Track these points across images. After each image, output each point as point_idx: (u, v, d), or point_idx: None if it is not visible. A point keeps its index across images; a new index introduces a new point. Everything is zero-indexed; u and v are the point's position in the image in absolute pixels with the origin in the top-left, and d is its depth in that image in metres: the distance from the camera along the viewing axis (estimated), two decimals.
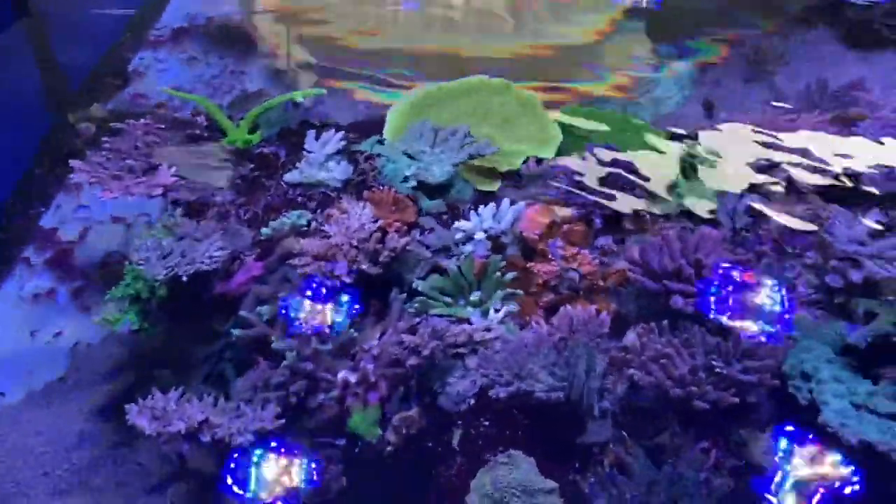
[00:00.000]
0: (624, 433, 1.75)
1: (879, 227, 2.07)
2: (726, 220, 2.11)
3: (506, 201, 2.17)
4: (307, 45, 3.70)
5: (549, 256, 1.99)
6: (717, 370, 1.65)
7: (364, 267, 1.98)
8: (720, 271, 1.91)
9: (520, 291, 1.99)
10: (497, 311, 1.95)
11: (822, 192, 2.18)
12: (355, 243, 2.01)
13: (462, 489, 1.73)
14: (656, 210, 2.16)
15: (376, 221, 2.08)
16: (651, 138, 2.62)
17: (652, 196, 2.18)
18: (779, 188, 2.14)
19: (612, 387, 1.76)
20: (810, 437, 1.71)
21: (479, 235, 2.05)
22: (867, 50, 3.85)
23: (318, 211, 2.21)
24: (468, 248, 2.06)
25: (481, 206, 2.16)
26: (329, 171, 2.31)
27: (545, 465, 1.71)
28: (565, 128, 2.74)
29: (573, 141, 2.67)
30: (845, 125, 2.38)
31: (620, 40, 4.02)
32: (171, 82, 3.20)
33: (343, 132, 2.40)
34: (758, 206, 2.10)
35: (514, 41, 3.96)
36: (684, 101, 3.30)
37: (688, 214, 2.18)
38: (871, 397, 1.67)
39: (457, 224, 2.11)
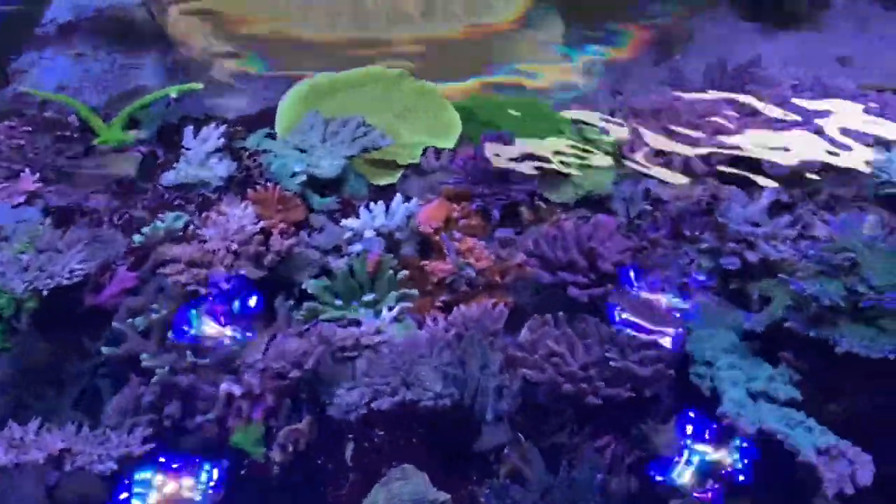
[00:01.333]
0: (520, 436, 1.67)
1: (778, 206, 2.05)
2: (622, 207, 2.05)
3: (398, 196, 2.06)
4: (209, 34, 3.51)
5: (444, 251, 1.89)
6: (612, 363, 1.58)
7: (245, 272, 1.85)
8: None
9: (414, 291, 1.89)
10: (390, 310, 1.84)
11: (720, 173, 2.14)
12: (234, 247, 1.88)
13: None
14: (554, 199, 2.08)
15: (258, 222, 1.94)
16: (557, 125, 2.54)
17: (550, 185, 2.10)
18: (675, 172, 2.09)
19: (509, 385, 1.67)
20: (713, 426, 1.66)
21: (370, 234, 1.94)
22: (773, 25, 3.87)
23: (198, 213, 2.06)
24: (358, 247, 1.94)
25: (373, 203, 2.05)
26: (210, 170, 2.16)
27: (440, 475, 1.62)
28: (469, 116, 2.64)
29: (477, 130, 2.58)
30: (744, 105, 2.35)
31: (534, 25, 3.94)
32: (56, 80, 2.98)
33: (224, 127, 2.24)
34: (653, 190, 2.04)
35: (425, 28, 3.84)
36: (595, 87, 3.25)
37: (586, 203, 2.11)
38: (769, 383, 1.63)
39: (345, 222, 1.99)
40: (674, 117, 2.17)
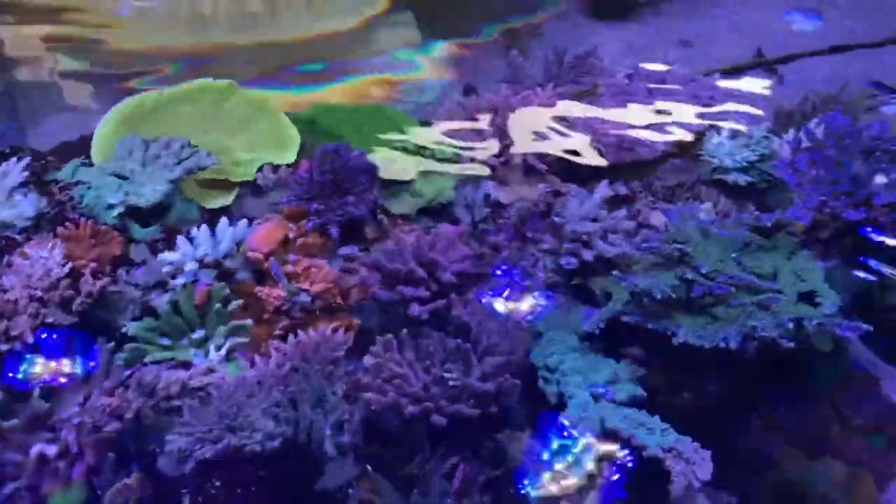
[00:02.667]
0: (368, 468, 1.58)
1: (617, 200, 2.04)
2: (465, 213, 1.99)
3: (223, 221, 1.92)
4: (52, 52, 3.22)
5: (273, 277, 1.77)
6: (451, 384, 1.51)
7: (52, 320, 1.66)
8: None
9: (247, 322, 1.76)
10: (219, 348, 1.70)
11: (560, 170, 2.12)
12: (39, 294, 1.68)
13: None
14: (395, 211, 2.00)
15: (66, 263, 1.75)
16: (406, 130, 2.46)
17: (390, 196, 2.02)
18: (514, 172, 2.05)
19: (350, 418, 1.57)
20: (565, 433, 1.62)
21: (191, 266, 1.79)
22: (617, 16, 3.96)
23: (1, 259, 1.84)
24: (180, 280, 1.79)
25: (195, 230, 1.89)
26: (14, 208, 1.94)
27: None
28: (312, 127, 2.52)
29: (321, 141, 2.46)
30: (581, 97, 2.35)
31: (386, 27, 3.86)
32: None
33: (28, 159, 2.02)
34: (494, 194, 1.99)
35: (269, 34, 3.68)
36: (447, 88, 3.19)
37: (430, 212, 2.04)
38: (612, 382, 1.60)
39: (162, 256, 1.83)
40: (509, 116, 2.13)
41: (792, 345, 1.47)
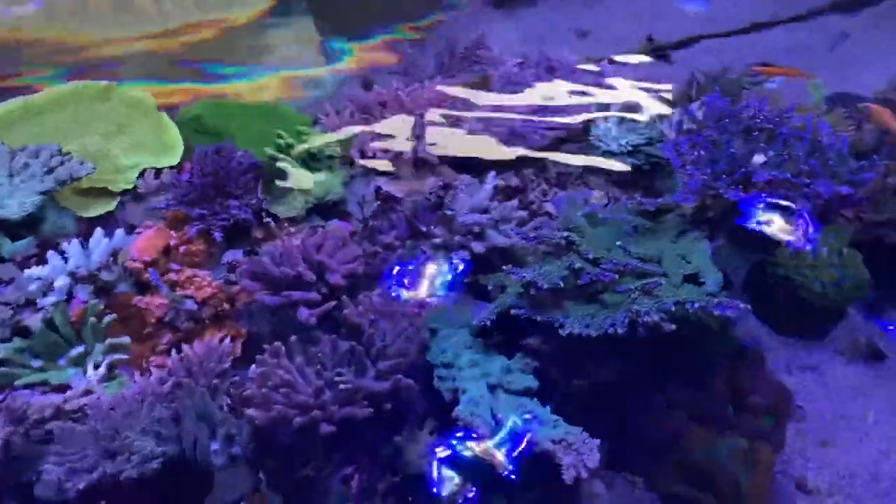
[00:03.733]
0: (261, 477, 1.52)
1: (510, 190, 2.03)
2: (357, 210, 1.95)
3: (98, 231, 1.81)
4: None
5: (154, 287, 1.68)
6: (342, 387, 1.47)
7: None
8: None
9: (124, 339, 1.67)
10: (98, 366, 1.61)
11: (452, 161, 2.10)
12: None
13: None
14: (282, 213, 1.93)
15: None
16: (297, 128, 2.38)
17: (275, 199, 1.95)
18: (406, 165, 2.02)
19: (238, 430, 1.51)
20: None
21: (62, 282, 1.68)
22: (513, 7, 3.98)
23: None
24: (52, 298, 1.68)
25: (66, 243, 1.78)
26: None
27: None
28: (200, 126, 2.42)
29: (209, 141, 2.36)
30: (472, 87, 2.33)
31: (282, 21, 3.75)
32: None
33: None
34: (385, 188, 1.96)
35: (156, 27, 3.51)
36: (344, 83, 3.13)
37: (321, 210, 1.98)
38: (504, 375, 1.59)
39: (29, 271, 1.72)
40: (398, 109, 2.09)
41: (674, 327, 1.49)
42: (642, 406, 2.11)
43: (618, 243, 1.72)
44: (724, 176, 1.83)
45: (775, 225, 1.96)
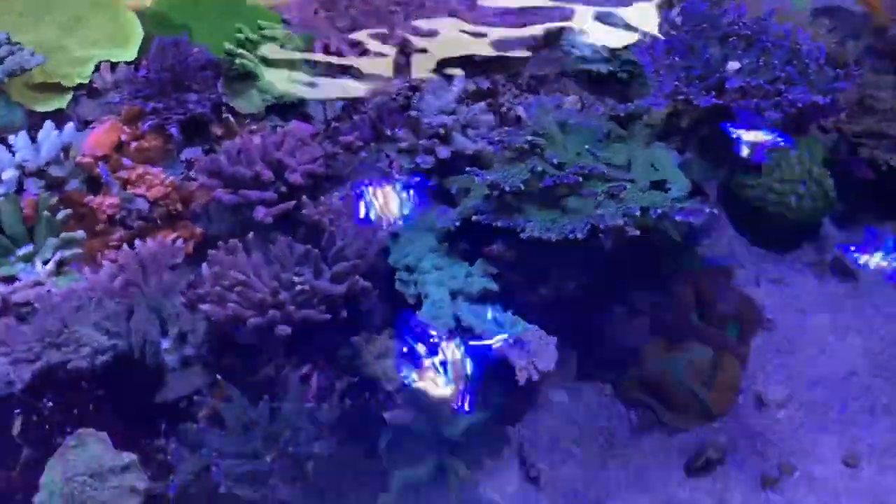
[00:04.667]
0: (218, 376, 1.51)
1: (479, 94, 1.97)
2: (319, 110, 1.88)
3: (48, 124, 1.75)
4: None
5: (105, 184, 1.63)
6: (299, 287, 1.44)
7: None
8: None
9: (78, 234, 1.62)
10: (47, 262, 1.57)
11: (420, 63, 2.02)
12: None
13: (30, 487, 1.40)
14: (242, 109, 1.86)
15: None
16: (262, 24, 2.27)
17: (235, 93, 1.87)
18: (370, 65, 1.94)
19: (192, 328, 1.49)
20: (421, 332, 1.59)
21: (9, 174, 1.62)
22: None
23: None
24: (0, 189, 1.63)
25: (12, 137, 1.71)
26: None
27: (123, 435, 1.43)
28: (162, 20, 2.30)
29: (172, 34, 2.25)
30: None
31: None
32: None
33: None
34: (350, 88, 1.88)
35: None
36: None
37: (280, 109, 1.91)
38: (466, 280, 1.58)
39: None
40: (365, 4, 2.00)
41: (637, 232, 1.46)
42: (606, 315, 2.12)
43: (586, 147, 1.68)
44: (696, 81, 1.78)
45: (747, 136, 1.92)
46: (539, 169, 1.54)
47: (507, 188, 1.51)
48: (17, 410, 1.47)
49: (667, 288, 2.11)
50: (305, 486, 1.45)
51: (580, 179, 1.52)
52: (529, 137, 1.57)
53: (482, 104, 1.84)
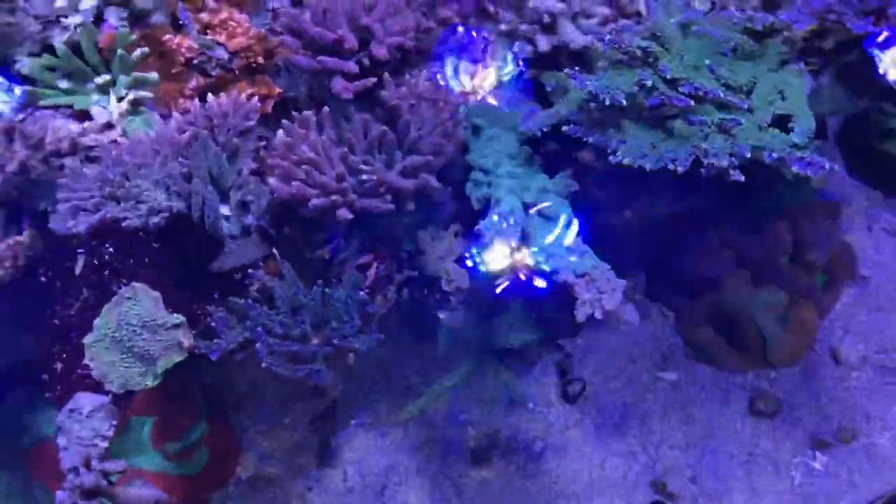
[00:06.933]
0: (274, 252, 1.48)
1: None
2: None
3: None
4: None
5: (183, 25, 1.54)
6: (365, 177, 1.36)
7: None
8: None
9: (152, 75, 1.55)
10: (121, 100, 1.52)
11: None
12: None
13: (83, 327, 1.45)
14: None
15: None
16: None
17: None
18: None
19: (256, 197, 1.45)
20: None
21: (88, 2, 1.54)
22: None
23: None
24: (77, 17, 1.55)
25: None
26: None
27: (176, 296, 1.44)
28: None
29: None
30: None
31: None
32: None
33: None
34: None
35: None
36: None
37: None
38: (542, 194, 1.46)
39: None
40: None
41: (742, 179, 1.30)
42: (693, 240, 1.99)
43: (706, 62, 1.47)
44: (854, 1, 1.52)
45: None
46: (649, 83, 1.36)
47: (608, 101, 1.35)
48: (81, 250, 1.48)
49: (761, 222, 1.95)
50: (346, 373, 1.45)
51: (691, 103, 1.35)
52: (644, 43, 1.38)
53: None
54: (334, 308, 1.42)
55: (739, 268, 2.06)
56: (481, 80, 1.60)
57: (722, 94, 1.37)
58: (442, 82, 1.55)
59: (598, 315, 1.31)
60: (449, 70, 1.56)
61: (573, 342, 1.98)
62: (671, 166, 1.34)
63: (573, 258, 1.35)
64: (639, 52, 1.39)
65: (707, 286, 2.06)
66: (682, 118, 1.42)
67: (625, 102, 1.35)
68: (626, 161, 1.32)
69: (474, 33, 1.63)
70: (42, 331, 1.51)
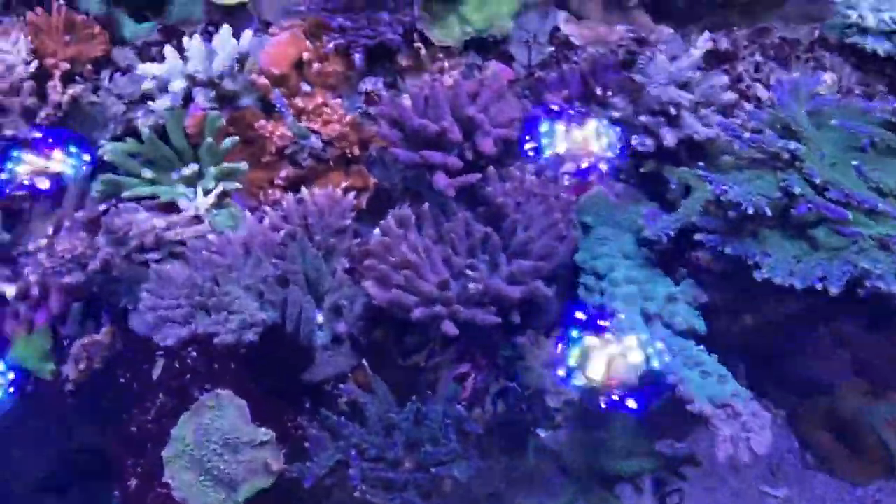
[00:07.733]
0: (364, 363, 1.36)
1: (714, 57, 1.61)
2: (522, 52, 1.59)
3: (226, 29, 1.55)
4: None
5: (278, 111, 1.45)
6: (472, 286, 1.23)
7: (13, 132, 1.40)
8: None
9: (241, 165, 1.46)
10: (208, 193, 1.43)
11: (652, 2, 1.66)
12: None
13: (160, 438, 1.33)
14: (437, 39, 1.59)
15: (31, 62, 1.45)
16: None
17: (433, 18, 1.60)
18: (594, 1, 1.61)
19: (350, 302, 1.33)
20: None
21: (178, 85, 1.46)
22: None
23: None
24: (164, 100, 1.48)
25: (189, 39, 1.54)
26: None
27: (263, 407, 1.32)
28: None
29: None
30: None
31: None
32: None
33: None
34: (565, 29, 1.57)
35: None
36: None
37: (479, 45, 1.63)
38: (667, 305, 1.31)
39: (143, 67, 1.50)
40: None
41: None
42: (803, 334, 1.84)
43: (854, 162, 1.32)
44: None
45: None
46: (797, 191, 1.21)
47: (751, 210, 1.20)
48: (160, 352, 1.38)
49: (883, 325, 1.79)
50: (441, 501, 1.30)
51: (849, 216, 1.19)
52: (794, 146, 1.23)
53: (723, 77, 1.49)
54: (428, 428, 1.28)
55: (855, 368, 1.91)
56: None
57: (880, 205, 1.21)
58: (549, 173, 1.42)
59: (743, 458, 1.14)
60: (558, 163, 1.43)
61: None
62: (820, 285, 1.18)
63: (711, 381, 1.19)
64: (786, 155, 1.24)
65: (819, 388, 1.91)
66: (824, 225, 1.26)
67: (769, 213, 1.20)
68: (775, 280, 1.16)
69: (578, 120, 1.50)
70: (117, 435, 1.41)
